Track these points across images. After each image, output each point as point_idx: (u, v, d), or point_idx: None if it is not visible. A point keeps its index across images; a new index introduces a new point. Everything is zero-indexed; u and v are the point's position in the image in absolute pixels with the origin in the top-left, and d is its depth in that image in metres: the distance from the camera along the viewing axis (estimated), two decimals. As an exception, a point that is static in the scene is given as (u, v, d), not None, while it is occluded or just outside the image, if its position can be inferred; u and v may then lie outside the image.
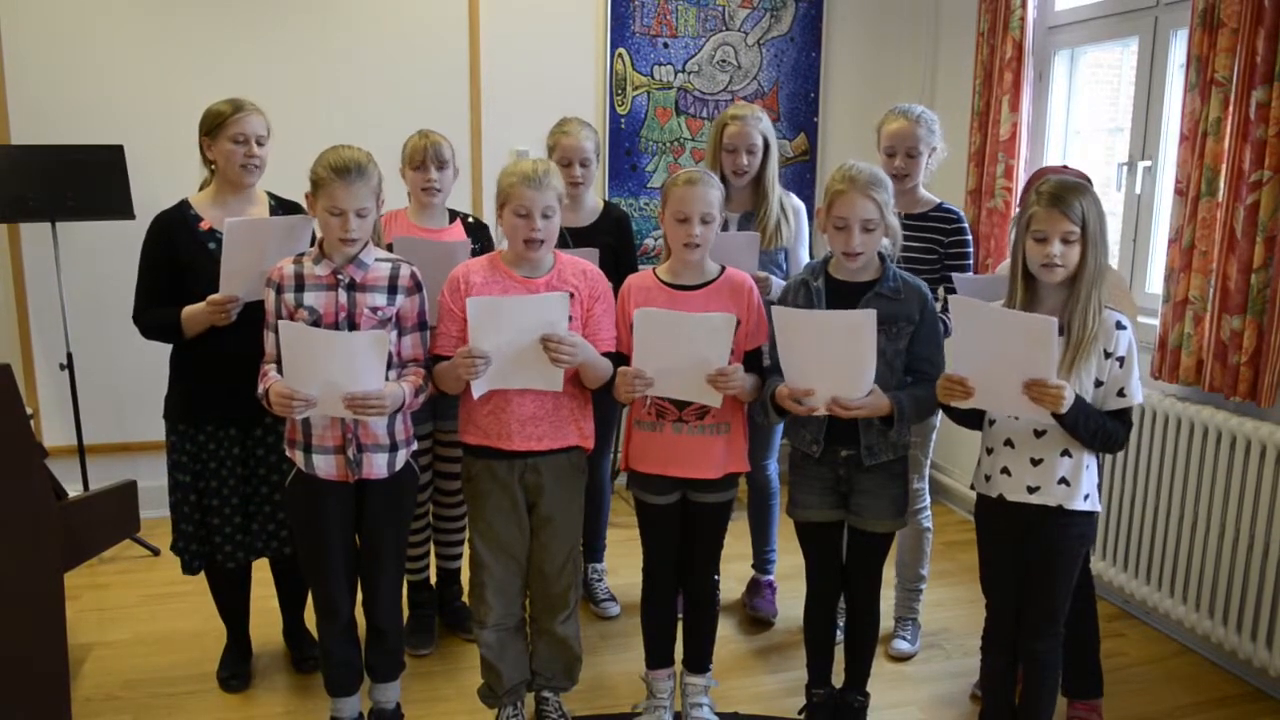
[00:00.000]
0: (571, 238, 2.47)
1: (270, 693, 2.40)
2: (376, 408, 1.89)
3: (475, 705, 2.23)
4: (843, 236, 1.95)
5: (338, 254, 1.97)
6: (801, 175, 3.93)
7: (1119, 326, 1.82)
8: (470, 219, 2.60)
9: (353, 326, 1.95)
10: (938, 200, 2.50)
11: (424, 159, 2.42)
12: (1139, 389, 1.85)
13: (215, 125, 2.19)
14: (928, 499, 2.59)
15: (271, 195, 2.34)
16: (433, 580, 2.73)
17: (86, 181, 3.01)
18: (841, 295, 1.99)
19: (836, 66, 3.90)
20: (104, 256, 3.19)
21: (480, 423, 2.04)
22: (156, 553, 3.16)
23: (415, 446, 2.10)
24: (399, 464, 2.04)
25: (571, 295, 1.99)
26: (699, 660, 2.23)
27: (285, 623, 2.54)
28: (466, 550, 2.23)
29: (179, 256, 2.19)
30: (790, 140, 3.92)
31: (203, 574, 2.35)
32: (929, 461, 2.57)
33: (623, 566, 2.90)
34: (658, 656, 2.23)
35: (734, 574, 2.84)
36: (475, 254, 2.34)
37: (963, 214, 2.48)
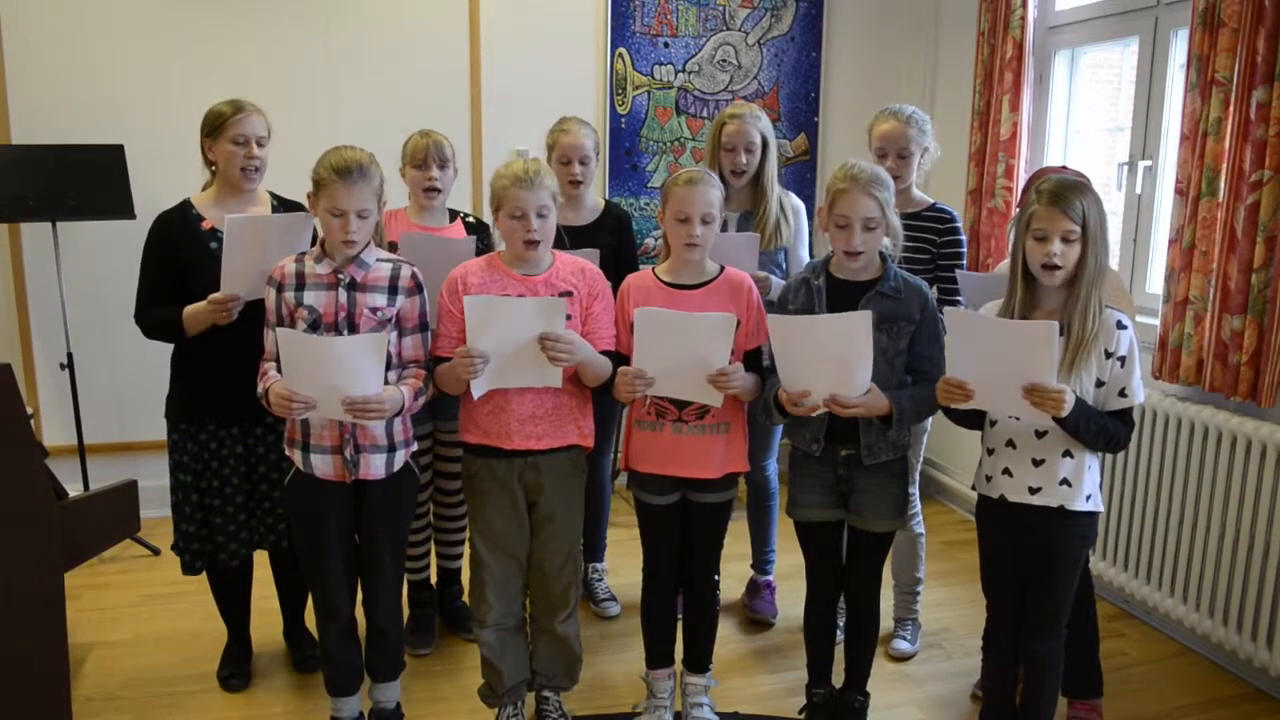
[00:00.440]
0: (572, 237, 2.47)
1: (270, 692, 2.40)
2: (376, 411, 1.89)
3: (476, 705, 2.23)
4: (844, 235, 1.94)
5: (339, 254, 1.97)
6: (802, 175, 3.93)
7: (1120, 326, 1.82)
8: (470, 218, 2.60)
9: (352, 326, 1.95)
10: (931, 201, 2.50)
11: (425, 158, 2.42)
12: (1140, 389, 1.84)
13: (216, 126, 2.20)
14: (919, 505, 2.59)
15: (275, 196, 2.35)
16: (433, 580, 2.74)
17: (87, 181, 3.01)
18: (842, 294, 1.99)
19: (837, 66, 3.90)
20: (104, 256, 3.19)
21: (480, 422, 2.04)
22: (157, 552, 3.16)
23: (415, 447, 2.10)
24: (397, 464, 2.04)
25: (570, 294, 2.00)
26: (699, 660, 2.23)
27: (285, 622, 2.54)
28: (467, 550, 2.23)
29: (181, 256, 2.19)
30: (790, 140, 3.92)
31: (203, 574, 2.35)
32: (919, 466, 2.57)
33: (623, 566, 2.90)
34: (658, 656, 2.23)
35: (734, 574, 2.84)
36: (477, 253, 2.34)
37: (956, 214, 2.48)
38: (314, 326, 1.95)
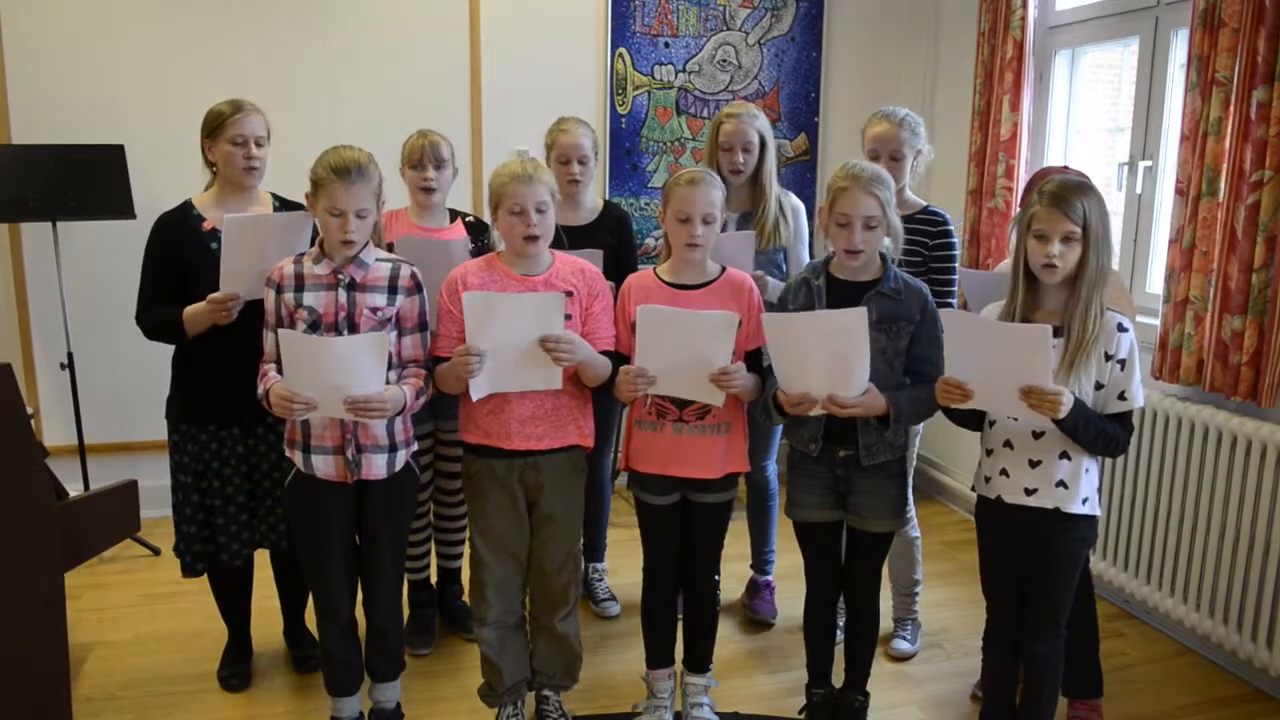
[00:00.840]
0: (571, 237, 2.48)
1: (270, 692, 2.41)
2: (378, 410, 1.89)
3: (476, 705, 2.24)
4: (845, 234, 1.95)
5: (338, 254, 1.97)
6: (802, 175, 3.94)
7: (1121, 329, 1.81)
8: (471, 218, 2.60)
9: (352, 326, 1.95)
10: (924, 203, 2.50)
11: (421, 158, 2.43)
12: (1140, 392, 1.84)
13: (215, 126, 2.21)
14: (913, 508, 2.59)
15: (276, 196, 2.35)
16: (433, 580, 2.74)
17: (87, 181, 3.01)
18: (843, 294, 1.99)
19: (837, 66, 3.91)
20: (104, 256, 3.20)
21: (480, 422, 2.04)
22: (157, 552, 3.16)
23: (415, 447, 2.10)
24: (398, 464, 2.04)
25: (570, 294, 2.00)
26: (699, 660, 2.23)
27: (286, 622, 2.55)
28: (467, 550, 2.24)
29: (182, 257, 2.20)
30: (791, 140, 3.92)
31: (204, 575, 2.35)
32: (913, 469, 2.57)
33: (623, 566, 2.90)
34: (658, 656, 2.23)
35: (734, 574, 2.84)
36: (475, 253, 2.34)
37: (948, 216, 2.48)
38: (314, 327, 1.95)
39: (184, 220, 2.23)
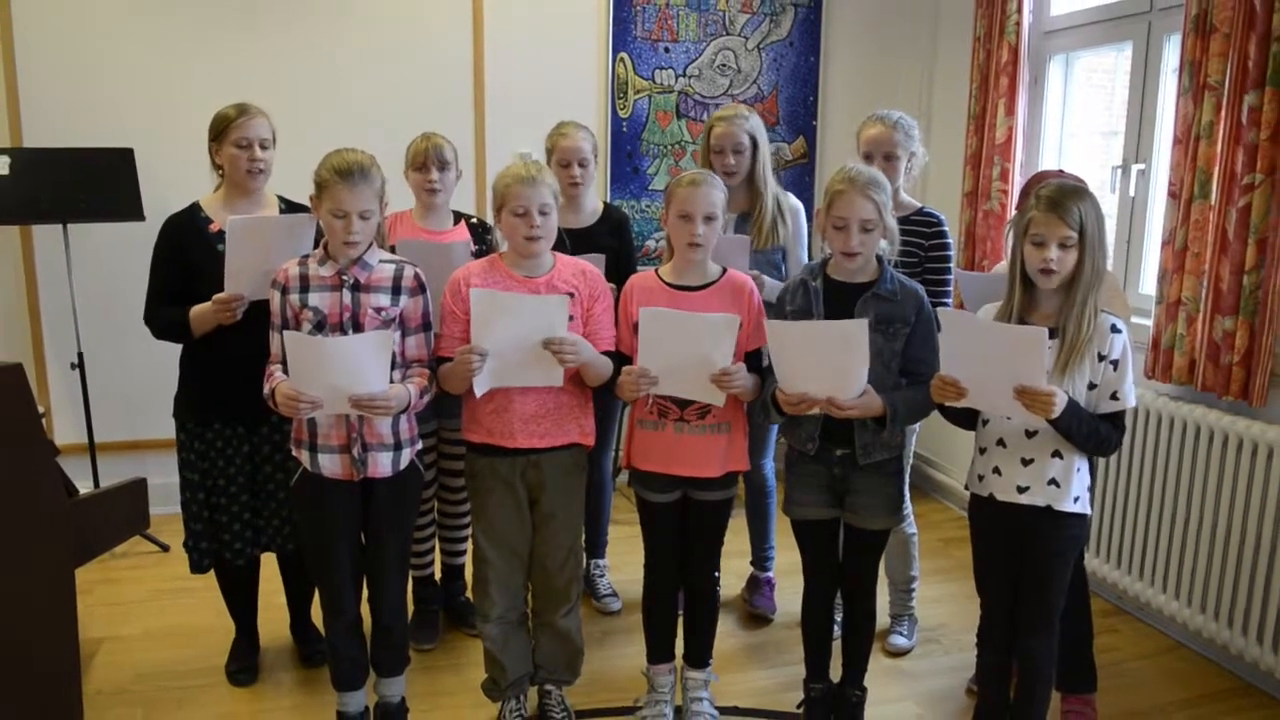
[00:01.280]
0: (572, 239, 2.49)
1: (277, 687, 2.43)
2: (382, 408, 1.91)
3: (479, 699, 2.26)
4: (841, 236, 1.96)
5: (342, 255, 1.98)
6: (800, 178, 3.96)
7: (1114, 330, 1.83)
8: (474, 220, 2.63)
9: (357, 327, 1.97)
10: (918, 204, 2.51)
11: (425, 160, 2.45)
12: (1132, 393, 1.85)
13: (220, 130, 2.23)
14: (910, 505, 2.61)
15: (282, 199, 2.37)
16: (437, 576, 2.76)
17: (97, 184, 3.04)
18: (839, 296, 2.01)
19: (835, 71, 3.93)
20: (114, 258, 3.22)
21: (483, 421, 2.06)
22: (166, 549, 3.19)
23: (420, 446, 2.11)
24: (403, 463, 2.06)
25: (571, 296, 2.02)
26: (699, 655, 2.25)
27: (292, 618, 2.57)
28: (470, 547, 2.25)
29: (189, 258, 2.22)
30: (789, 143, 3.95)
31: (211, 571, 2.37)
32: (909, 467, 2.59)
33: (625, 563, 2.92)
34: (659, 651, 2.25)
35: (733, 570, 2.86)
36: (477, 255, 2.37)
37: (943, 217, 2.49)
38: (319, 327, 1.96)
39: (191, 222, 2.25)
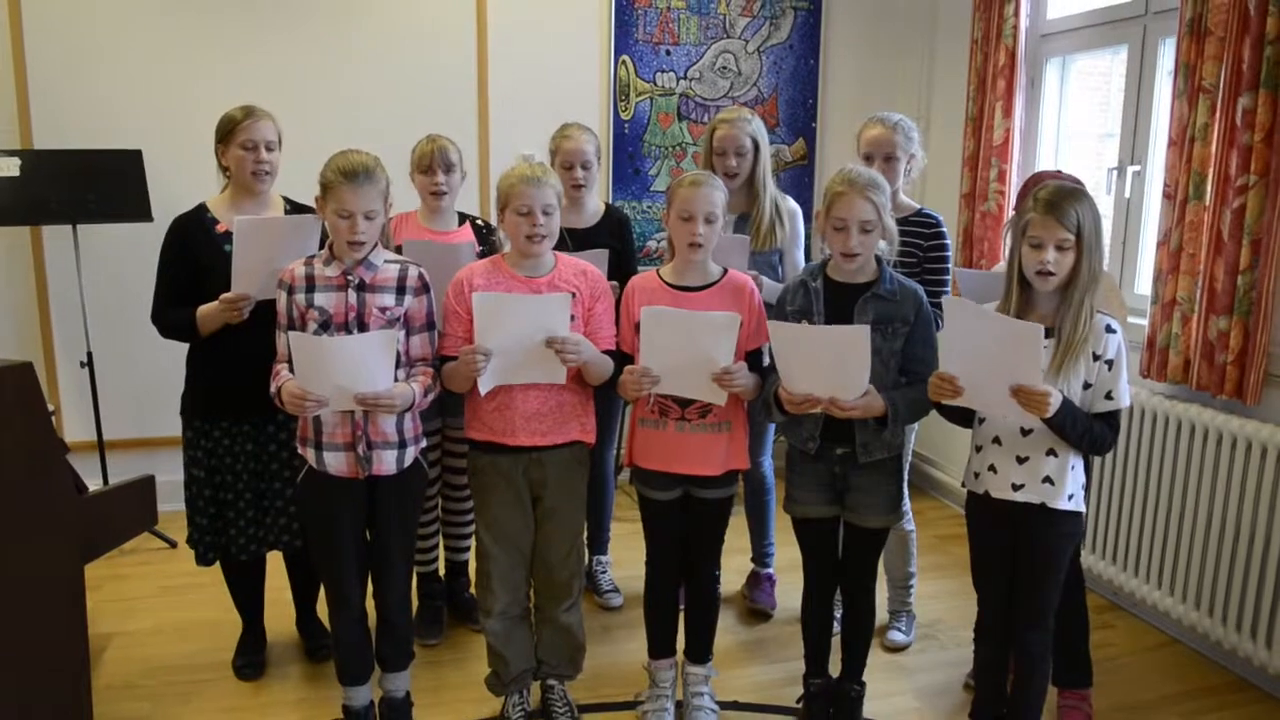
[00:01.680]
0: (574, 239, 2.52)
1: (283, 681, 2.45)
2: (387, 406, 1.94)
3: (482, 693, 2.27)
4: (841, 237, 1.97)
5: (347, 255, 1.99)
6: (800, 179, 3.99)
7: (1109, 330, 1.84)
8: (479, 221, 2.65)
9: (362, 326, 1.98)
10: (917, 206, 2.53)
11: (431, 163, 2.47)
12: (1126, 392, 1.86)
13: (227, 132, 2.25)
14: (908, 502, 2.63)
15: (288, 200, 2.39)
16: (441, 572, 2.78)
17: (106, 185, 3.06)
18: (839, 296, 2.02)
19: (834, 73, 3.95)
20: (123, 258, 3.25)
21: (486, 419, 2.08)
22: (174, 545, 3.21)
23: (424, 444, 2.13)
24: (408, 460, 2.07)
25: (573, 295, 2.04)
26: (700, 651, 2.27)
27: (298, 613, 2.59)
28: (474, 543, 2.27)
29: (196, 258, 2.24)
30: (789, 145, 3.98)
31: (218, 566, 2.40)
32: (908, 465, 2.61)
33: (626, 560, 2.92)
34: (660, 647, 2.27)
35: (734, 567, 2.86)
36: (481, 256, 2.39)
37: (941, 218, 2.51)
38: (324, 327, 1.98)
39: (198, 223, 2.27)
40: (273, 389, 2.00)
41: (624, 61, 3.76)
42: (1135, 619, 2.85)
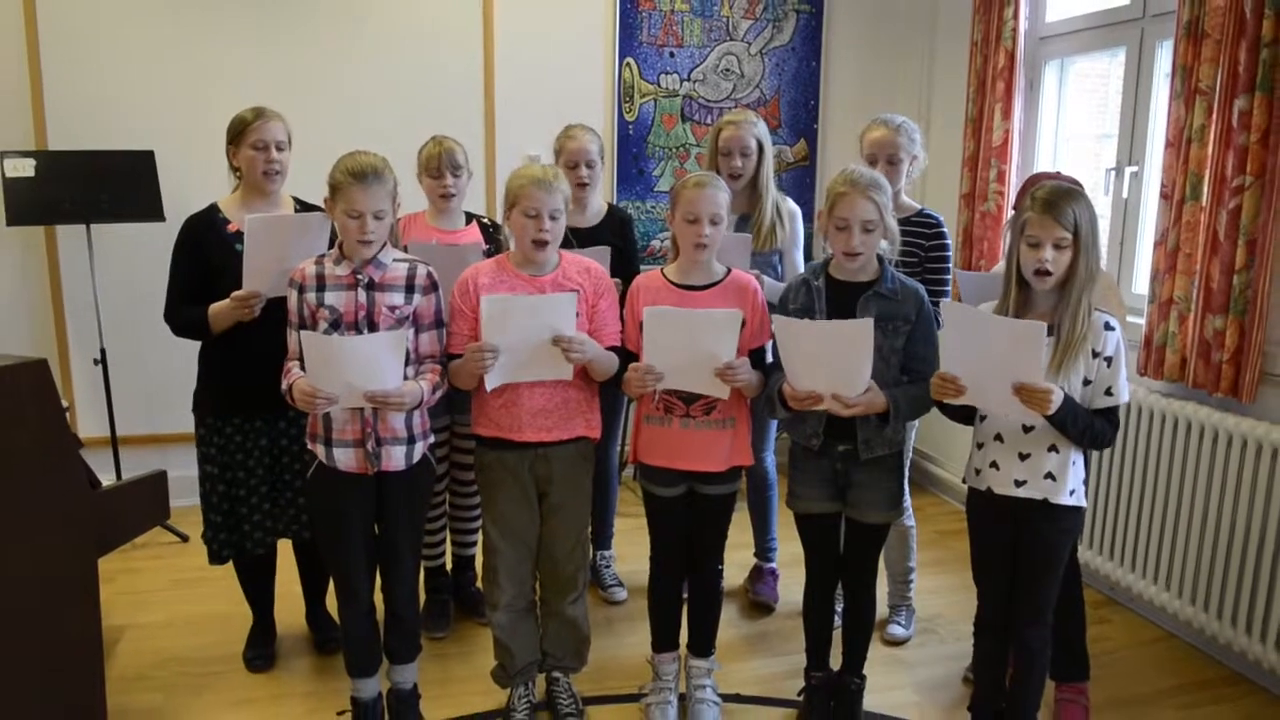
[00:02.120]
0: (578, 238, 2.53)
1: (293, 673, 2.48)
2: (396, 404, 1.96)
3: (489, 686, 2.29)
4: (843, 236, 1.99)
5: (357, 255, 2.02)
6: (801, 180, 4.01)
7: (1107, 328, 1.86)
8: (486, 221, 2.68)
9: (372, 325, 2.01)
10: (918, 206, 2.55)
11: (439, 166, 2.50)
12: (1126, 388, 1.88)
13: (238, 132, 2.28)
14: (909, 498, 2.66)
15: (298, 200, 2.42)
16: (449, 567, 2.80)
17: (119, 186, 3.10)
18: (841, 295, 2.04)
19: (836, 75, 3.98)
20: (135, 257, 3.28)
21: (493, 415, 2.10)
22: (186, 539, 3.24)
23: (432, 440, 2.14)
24: (416, 456, 2.09)
25: (577, 293, 2.06)
26: (703, 644, 2.29)
27: (308, 607, 2.61)
28: (480, 538, 2.30)
29: (208, 257, 2.27)
30: (791, 146, 4.00)
31: (229, 561, 2.42)
32: (908, 461, 2.64)
33: (630, 554, 2.94)
34: (663, 640, 2.29)
35: (736, 561, 2.84)
36: (488, 255, 2.43)
37: (942, 219, 2.53)
38: (335, 326, 2.00)
39: (210, 222, 2.30)
40: (284, 386, 2.02)
41: (628, 64, 3.79)
42: (1131, 613, 2.87)
